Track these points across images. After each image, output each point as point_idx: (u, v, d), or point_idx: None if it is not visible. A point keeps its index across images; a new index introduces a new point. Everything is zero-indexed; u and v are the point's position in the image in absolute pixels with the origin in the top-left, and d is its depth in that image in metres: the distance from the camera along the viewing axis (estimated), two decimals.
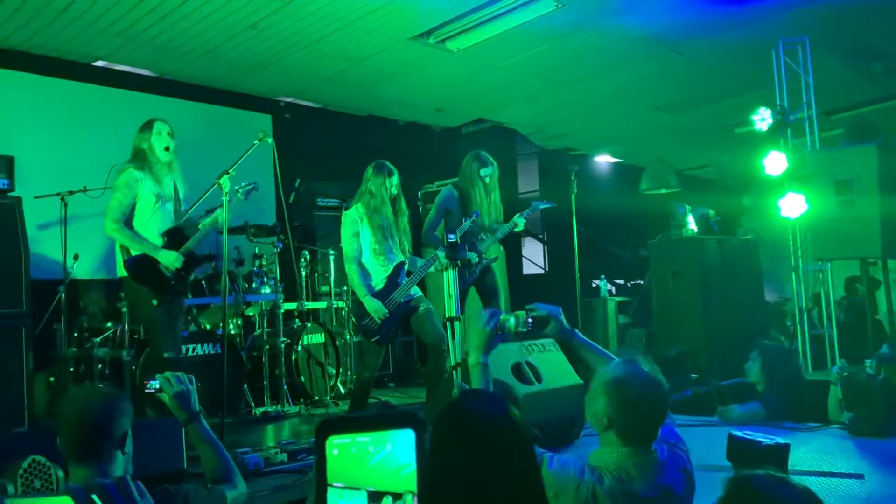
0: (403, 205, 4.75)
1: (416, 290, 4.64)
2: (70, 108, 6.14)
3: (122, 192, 4.13)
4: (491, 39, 6.23)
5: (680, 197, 8.72)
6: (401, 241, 4.69)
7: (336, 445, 1.03)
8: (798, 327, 6.20)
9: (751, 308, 7.07)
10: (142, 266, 4.14)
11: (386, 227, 4.60)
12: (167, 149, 4.23)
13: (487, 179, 5.19)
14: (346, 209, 4.78)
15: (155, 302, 4.13)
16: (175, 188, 4.35)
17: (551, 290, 9.37)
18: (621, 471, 1.92)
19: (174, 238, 4.26)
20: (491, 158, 5.29)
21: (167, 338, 4.18)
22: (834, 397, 4.32)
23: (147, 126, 4.29)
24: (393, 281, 4.58)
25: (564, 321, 2.35)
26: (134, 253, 4.15)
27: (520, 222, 5.34)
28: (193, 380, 2.30)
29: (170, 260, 4.16)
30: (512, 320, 2.26)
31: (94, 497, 1.15)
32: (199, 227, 4.28)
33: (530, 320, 2.28)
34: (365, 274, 4.59)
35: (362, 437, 1.03)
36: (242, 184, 4.24)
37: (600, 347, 2.46)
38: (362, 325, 4.61)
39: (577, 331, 2.37)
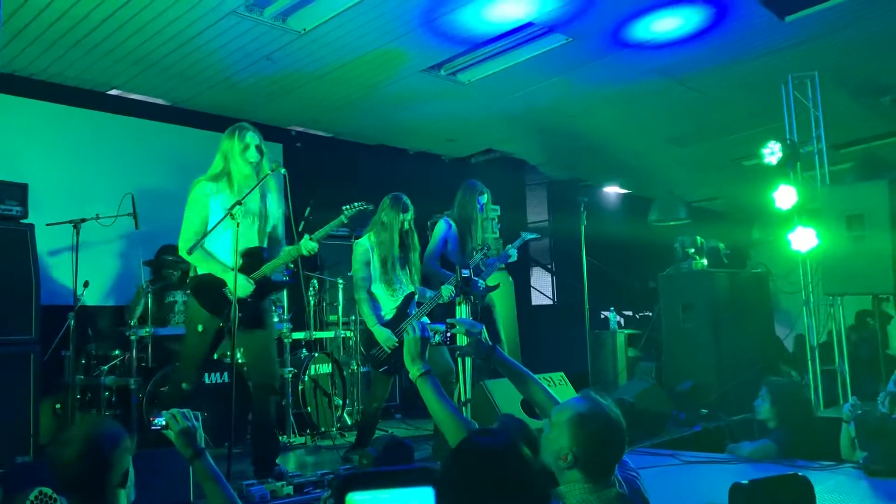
0: (416, 240, 4.76)
1: (439, 326, 4.63)
2: (84, 136, 6.20)
3: (192, 210, 3.86)
4: (502, 72, 6.29)
5: (689, 228, 8.72)
6: (411, 273, 4.70)
7: (356, 502, 1.02)
8: (809, 363, 6.13)
9: (762, 342, 7.01)
10: (207, 286, 3.84)
11: (394, 260, 4.60)
12: (253, 162, 3.90)
13: (480, 207, 5.28)
14: (358, 238, 4.79)
15: (200, 329, 3.84)
16: (264, 205, 4.00)
17: (560, 320, 9.34)
18: None
19: (252, 259, 3.88)
20: (482, 185, 5.34)
21: (192, 369, 3.96)
22: (846, 435, 4.25)
23: (236, 134, 3.93)
24: (402, 311, 4.59)
25: (485, 338, 2.46)
26: (201, 271, 3.87)
27: (513, 254, 5.41)
28: (199, 416, 2.26)
29: (238, 286, 3.73)
30: (438, 336, 2.40)
31: None
32: (281, 252, 3.97)
33: (448, 334, 2.44)
34: (375, 303, 4.60)
35: (383, 494, 1.02)
36: (355, 204, 4.00)
37: (520, 366, 2.49)
38: (370, 355, 4.60)
39: (498, 348, 2.45)
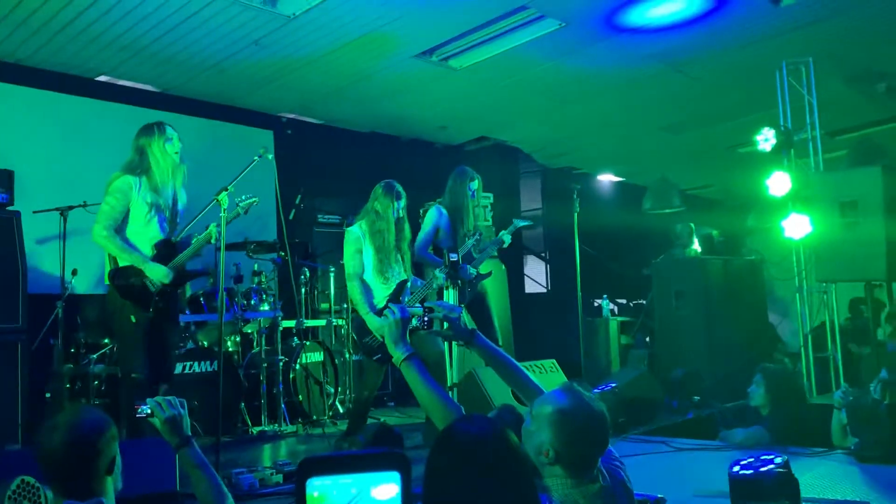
0: (407, 228, 4.74)
1: (417, 310, 4.59)
2: (71, 122, 6.14)
3: (115, 198, 3.93)
4: (494, 58, 6.23)
5: (683, 216, 8.69)
6: (403, 261, 4.68)
7: (317, 487, 0.98)
8: (802, 350, 6.13)
9: (754, 329, 7.00)
10: (127, 278, 3.94)
11: (388, 249, 4.57)
12: (177, 153, 4.05)
13: (471, 194, 5.25)
14: (349, 225, 4.76)
15: (133, 319, 3.91)
16: (174, 198, 4.14)
17: (553, 308, 9.32)
18: (569, 502, 1.85)
19: (165, 251, 4.03)
20: (473, 171, 5.32)
21: (138, 357, 3.94)
22: (837, 422, 4.25)
23: (156, 129, 4.02)
24: (395, 299, 4.55)
25: (465, 322, 2.39)
26: (122, 263, 3.95)
27: (506, 239, 5.38)
28: (185, 404, 2.25)
29: (159, 275, 3.93)
30: (415, 320, 2.35)
31: None
32: (192, 241, 4.06)
33: (426, 319, 2.38)
34: (367, 291, 4.57)
35: (345, 479, 0.98)
36: (243, 197, 4.01)
37: (501, 351, 2.44)
38: (363, 343, 4.57)
39: (478, 333, 2.39)
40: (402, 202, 4.64)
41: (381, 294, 4.59)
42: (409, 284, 4.66)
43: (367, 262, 4.59)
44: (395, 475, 1.01)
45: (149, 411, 2.21)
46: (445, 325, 2.40)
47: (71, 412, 2.06)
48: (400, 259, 4.69)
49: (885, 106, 7.71)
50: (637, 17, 5.61)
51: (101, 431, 1.98)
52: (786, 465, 2.43)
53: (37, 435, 2.02)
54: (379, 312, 4.49)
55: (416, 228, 5.38)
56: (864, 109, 7.83)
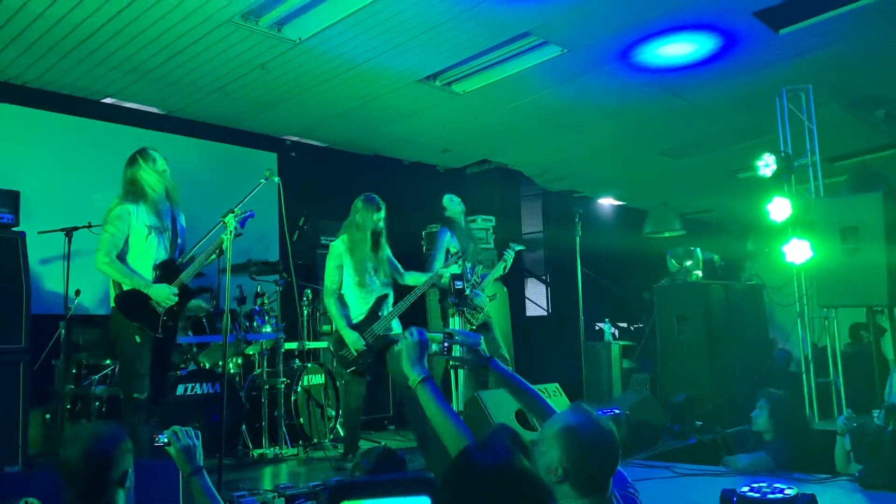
0: (384, 240, 4.83)
1: (396, 326, 4.67)
2: (77, 144, 6.18)
3: (114, 226, 4.03)
4: (497, 83, 6.29)
5: (683, 240, 8.72)
6: (382, 273, 4.76)
7: None
8: (804, 375, 6.12)
9: (756, 354, 6.99)
10: (134, 301, 4.00)
11: (367, 261, 4.67)
12: (165, 171, 4.15)
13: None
14: (333, 241, 4.90)
15: (138, 339, 3.97)
16: (173, 218, 4.24)
17: (554, 331, 9.31)
18: None
19: (167, 271, 4.11)
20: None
21: (141, 378, 3.98)
22: (841, 448, 4.24)
23: (139, 157, 4.15)
24: (374, 314, 4.66)
25: (483, 350, 2.44)
26: (125, 288, 4.02)
27: (506, 261, 5.59)
28: (199, 435, 2.38)
29: (163, 295, 4.00)
30: (434, 346, 2.38)
31: None
32: (195, 260, 4.13)
33: (446, 345, 2.41)
34: (343, 306, 4.71)
35: None
36: (237, 210, 4.03)
37: (518, 377, 2.44)
38: (339, 355, 4.74)
39: (495, 360, 2.42)
40: (383, 213, 4.72)
41: (361, 308, 4.69)
42: (389, 299, 4.76)
43: (347, 277, 4.69)
44: (426, 500, 1.02)
45: (165, 440, 2.34)
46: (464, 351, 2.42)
47: (89, 426, 2.24)
48: (380, 272, 4.76)
49: (885, 132, 7.77)
50: (637, 45, 5.67)
51: (116, 442, 2.14)
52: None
53: (60, 446, 2.21)
54: (359, 326, 4.56)
55: (417, 248, 5.39)
56: (864, 135, 7.89)
